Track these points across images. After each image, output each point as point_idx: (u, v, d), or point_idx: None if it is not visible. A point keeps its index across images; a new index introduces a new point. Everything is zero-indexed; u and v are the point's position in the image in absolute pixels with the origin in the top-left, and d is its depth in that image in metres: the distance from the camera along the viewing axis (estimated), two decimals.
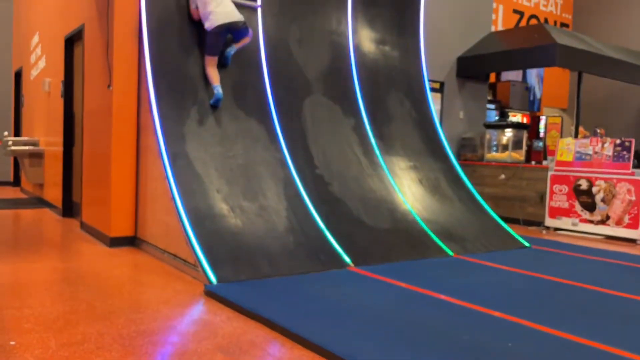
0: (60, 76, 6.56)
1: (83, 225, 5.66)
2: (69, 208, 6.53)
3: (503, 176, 7.57)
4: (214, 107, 4.68)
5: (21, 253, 4.52)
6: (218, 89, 4.63)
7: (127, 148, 4.81)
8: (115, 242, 4.78)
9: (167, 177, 4.14)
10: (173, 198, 4.03)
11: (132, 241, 4.86)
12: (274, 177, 4.63)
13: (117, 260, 4.35)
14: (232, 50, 4.78)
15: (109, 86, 4.80)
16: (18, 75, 10.01)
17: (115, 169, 4.77)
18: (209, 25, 4.58)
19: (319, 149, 5.16)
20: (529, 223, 7.25)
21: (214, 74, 4.70)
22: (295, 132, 5.10)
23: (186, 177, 4.19)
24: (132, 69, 4.78)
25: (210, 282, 3.54)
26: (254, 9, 5.17)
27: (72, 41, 6.36)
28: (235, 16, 4.65)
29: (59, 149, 6.63)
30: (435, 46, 7.53)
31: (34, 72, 8.34)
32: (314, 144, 5.17)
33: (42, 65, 7.76)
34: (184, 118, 4.49)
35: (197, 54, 4.76)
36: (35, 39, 8.26)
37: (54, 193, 7.03)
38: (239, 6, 4.88)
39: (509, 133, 7.87)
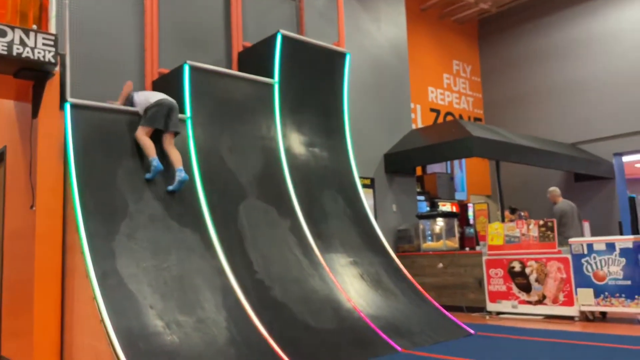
0: None
1: None
2: None
3: (441, 265, 7.72)
4: (149, 180, 4.74)
5: None
6: (157, 161, 4.71)
7: (52, 271, 4.51)
8: None
9: (95, 297, 3.89)
10: (102, 320, 3.76)
11: None
12: (211, 286, 4.47)
13: None
14: (181, 172, 4.84)
15: (32, 207, 4.60)
16: None
17: (39, 294, 4.43)
18: (153, 98, 4.92)
19: (257, 253, 5.09)
20: (472, 309, 7.30)
21: (149, 146, 4.77)
22: (232, 238, 5.03)
23: (116, 295, 3.96)
24: (57, 188, 4.63)
25: None
26: (183, 120, 5.28)
27: None
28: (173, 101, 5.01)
29: None
30: (363, 145, 7.91)
31: None
32: (252, 248, 5.10)
33: None
34: (113, 234, 4.34)
35: (126, 166, 4.72)
36: None
37: None
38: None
39: (440, 222, 8.15)
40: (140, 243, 4.42)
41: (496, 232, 7.18)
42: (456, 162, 11.91)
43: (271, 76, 6.17)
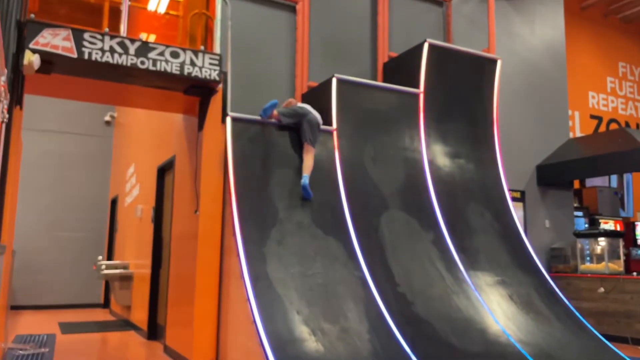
0: (152, 203, 7.04)
1: (166, 349, 5.69)
2: (154, 331, 6.64)
3: (602, 289, 6.94)
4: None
5: None
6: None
7: (211, 271, 4.92)
8: None
9: (248, 299, 4.14)
10: (254, 321, 3.99)
11: None
12: (354, 296, 4.52)
13: None
14: (303, 179, 4.96)
15: (195, 211, 5.06)
16: (114, 203, 10.87)
17: (199, 291, 4.86)
18: (314, 117, 5.16)
19: (399, 266, 5.03)
20: (638, 342, 6.46)
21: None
22: (373, 249, 5.04)
23: (267, 299, 4.18)
24: (217, 195, 5.05)
25: None
26: (330, 132, 5.43)
27: (164, 171, 6.89)
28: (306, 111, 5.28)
29: (147, 271, 6.92)
30: (513, 155, 7.44)
31: (128, 200, 9.03)
32: (394, 260, 5.06)
33: (135, 193, 8.40)
34: (264, 239, 4.59)
35: (277, 176, 4.98)
36: (131, 169, 9.05)
37: (140, 315, 7.22)
38: (319, 131, 5.21)
39: (603, 242, 7.35)
40: (289, 249, 4.63)
41: None
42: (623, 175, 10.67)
43: (416, 86, 6.09)
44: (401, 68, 6.51)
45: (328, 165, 5.27)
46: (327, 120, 5.51)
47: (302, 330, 4.05)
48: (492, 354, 4.47)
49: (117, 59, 4.55)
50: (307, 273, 4.53)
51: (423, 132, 6.00)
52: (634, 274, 7.06)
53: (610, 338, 5.78)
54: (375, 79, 6.67)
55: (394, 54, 6.71)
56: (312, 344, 3.96)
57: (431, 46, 6.12)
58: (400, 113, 5.97)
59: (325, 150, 5.33)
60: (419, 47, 6.16)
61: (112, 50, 4.53)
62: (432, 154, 6.01)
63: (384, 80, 6.57)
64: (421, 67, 6.10)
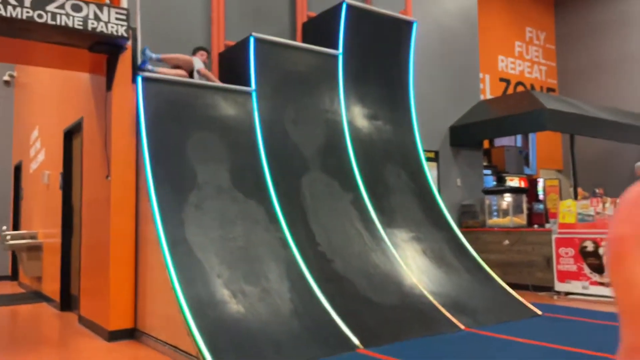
0: (59, 168, 6.62)
1: (81, 319, 5.49)
2: (67, 302, 6.37)
3: (507, 242, 7.48)
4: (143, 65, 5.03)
5: (17, 354, 4.34)
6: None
7: (126, 238, 4.75)
8: (115, 335, 4.61)
9: (166, 265, 4.05)
10: (172, 287, 3.92)
11: (131, 334, 4.68)
12: (275, 258, 4.55)
13: (117, 357, 4.17)
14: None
15: (107, 177, 4.83)
16: (17, 169, 10.13)
17: (114, 259, 4.69)
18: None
19: (319, 226, 5.12)
20: (538, 289, 7.06)
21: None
22: (294, 211, 5.08)
23: (186, 264, 4.12)
24: (130, 159, 4.83)
25: None
26: (248, 93, 5.32)
27: (71, 134, 6.47)
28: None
29: (58, 240, 6.57)
30: (428, 117, 7.69)
31: (34, 166, 8.44)
32: (315, 221, 5.13)
33: (41, 158, 7.86)
34: (182, 204, 4.48)
35: (194, 138, 4.83)
36: (35, 133, 8.43)
37: (52, 286, 6.88)
38: (232, 91, 5.10)
39: (508, 198, 7.87)
40: (208, 213, 4.55)
41: (568, 209, 6.85)
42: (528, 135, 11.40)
43: (335, 47, 6.07)
44: (320, 28, 6.45)
45: (248, 127, 5.18)
46: (246, 81, 5.39)
47: (223, 294, 4.04)
48: (407, 306, 4.71)
49: (11, 12, 4.13)
50: (227, 237, 4.49)
51: (342, 94, 6.03)
52: (535, 226, 7.64)
53: (514, 286, 6.26)
54: (294, 39, 6.57)
55: (313, 14, 6.63)
56: (233, 306, 3.97)
57: (349, 6, 6.09)
58: (319, 74, 5.95)
59: (244, 112, 5.22)
60: (338, 7, 6.12)
61: (4, 2, 4.11)
62: (351, 115, 6.08)
63: (304, 41, 6.49)
64: (340, 27, 6.07)
